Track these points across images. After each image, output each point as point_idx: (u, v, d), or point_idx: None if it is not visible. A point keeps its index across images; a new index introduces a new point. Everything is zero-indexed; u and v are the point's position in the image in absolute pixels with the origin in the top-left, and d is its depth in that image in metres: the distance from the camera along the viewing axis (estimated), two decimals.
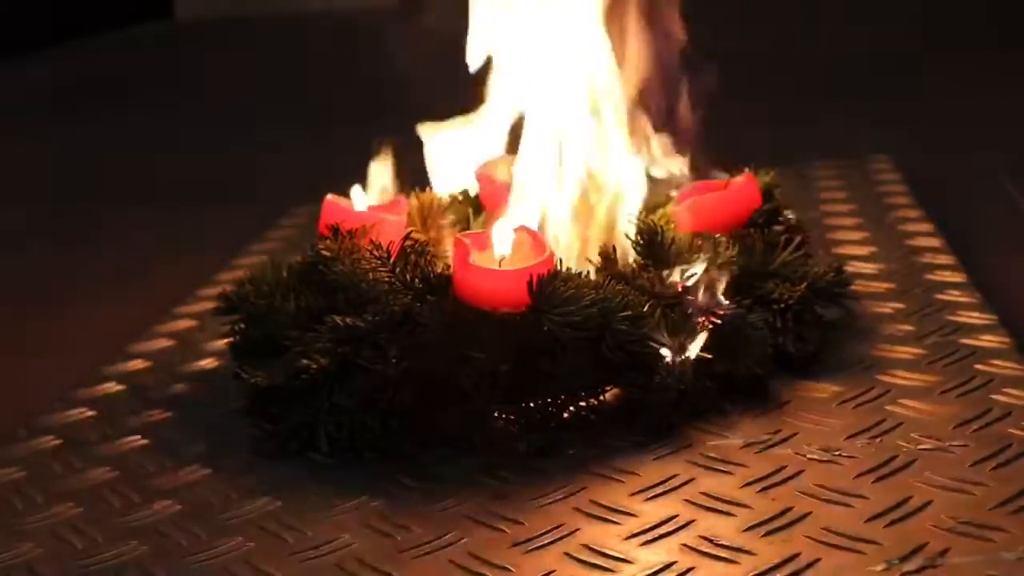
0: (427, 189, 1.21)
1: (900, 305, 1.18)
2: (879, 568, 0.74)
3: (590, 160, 1.13)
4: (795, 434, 0.93)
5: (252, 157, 2.49)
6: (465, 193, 1.24)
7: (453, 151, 1.25)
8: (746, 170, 1.18)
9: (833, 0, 3.60)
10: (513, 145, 1.18)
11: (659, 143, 1.21)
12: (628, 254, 1.08)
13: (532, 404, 0.97)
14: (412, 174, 1.24)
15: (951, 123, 2.11)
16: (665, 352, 0.97)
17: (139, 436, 1.06)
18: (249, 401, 1.03)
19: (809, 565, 0.75)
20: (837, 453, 0.89)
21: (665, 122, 1.20)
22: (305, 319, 1.01)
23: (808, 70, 2.77)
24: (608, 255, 1.05)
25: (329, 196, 1.15)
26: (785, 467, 0.88)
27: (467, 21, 1.19)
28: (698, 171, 1.21)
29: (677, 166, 1.21)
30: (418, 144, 1.26)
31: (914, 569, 0.73)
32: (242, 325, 1.09)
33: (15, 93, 3.70)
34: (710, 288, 0.99)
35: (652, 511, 0.84)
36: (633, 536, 0.81)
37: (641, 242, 1.05)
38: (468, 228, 1.16)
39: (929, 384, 0.99)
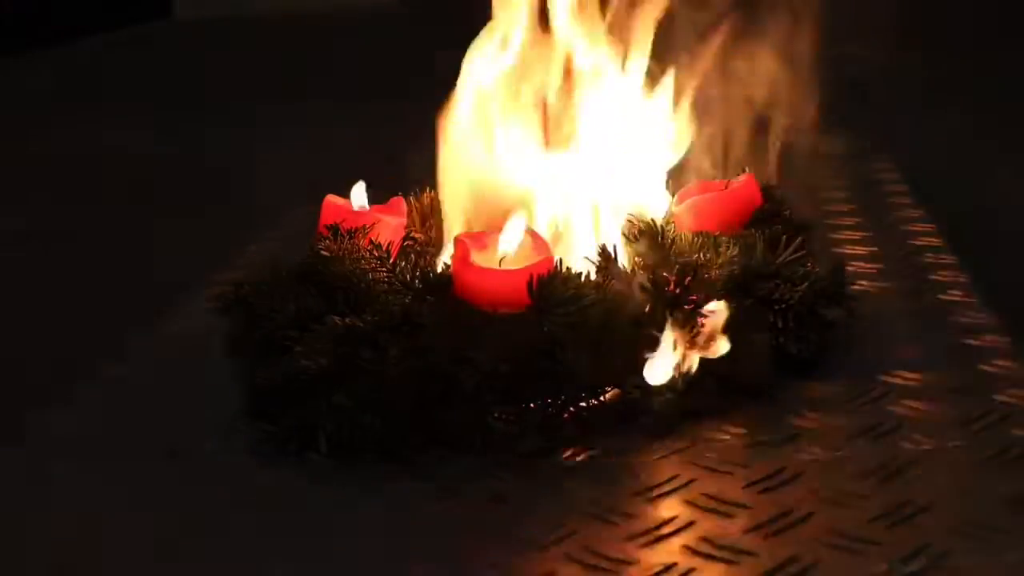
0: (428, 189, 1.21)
1: (901, 305, 1.17)
2: (881, 569, 0.74)
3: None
4: (796, 435, 0.93)
5: (252, 157, 2.49)
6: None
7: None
8: (746, 170, 1.18)
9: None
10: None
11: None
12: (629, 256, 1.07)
13: (532, 404, 0.97)
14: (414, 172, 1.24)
15: (951, 123, 2.11)
16: (665, 352, 0.97)
17: (140, 436, 1.06)
18: (249, 401, 1.03)
19: (811, 566, 0.75)
20: (838, 454, 0.89)
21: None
22: (305, 319, 1.01)
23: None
24: (608, 255, 1.05)
25: (329, 196, 1.15)
26: (786, 468, 0.88)
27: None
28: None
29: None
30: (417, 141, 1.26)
31: (916, 570, 0.73)
32: (241, 326, 1.08)
33: (15, 93, 3.71)
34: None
35: (653, 512, 0.84)
36: (634, 538, 0.81)
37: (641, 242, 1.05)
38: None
39: (930, 384, 0.99)
